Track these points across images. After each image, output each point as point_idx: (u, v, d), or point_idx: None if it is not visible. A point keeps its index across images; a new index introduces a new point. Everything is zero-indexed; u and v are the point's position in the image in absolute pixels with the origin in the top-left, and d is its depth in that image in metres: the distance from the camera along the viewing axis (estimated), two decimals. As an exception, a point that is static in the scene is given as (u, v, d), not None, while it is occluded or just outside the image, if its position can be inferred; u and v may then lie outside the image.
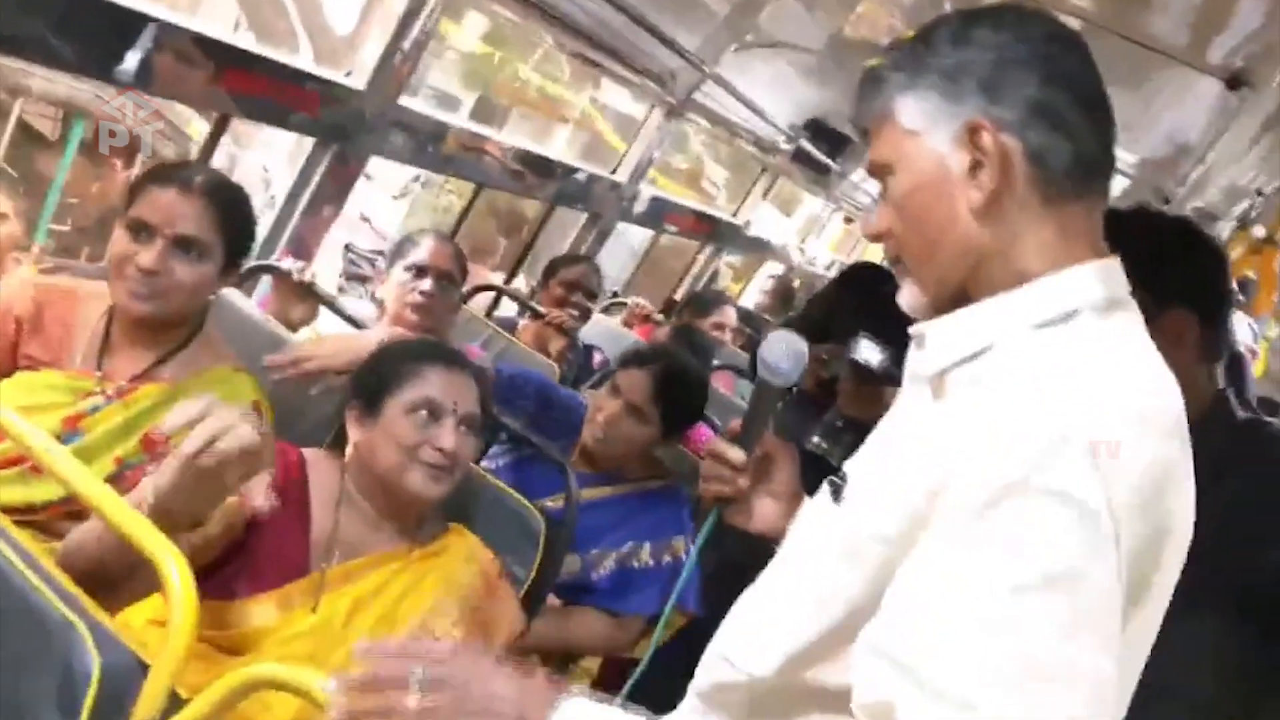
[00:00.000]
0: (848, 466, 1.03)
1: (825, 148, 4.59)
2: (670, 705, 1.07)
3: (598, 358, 3.65)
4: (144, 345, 1.64)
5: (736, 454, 1.18)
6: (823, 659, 0.94)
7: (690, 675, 1.08)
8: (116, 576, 1.16)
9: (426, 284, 2.34)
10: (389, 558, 1.61)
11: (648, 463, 2.35)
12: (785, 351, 1.18)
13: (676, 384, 2.26)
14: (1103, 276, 0.93)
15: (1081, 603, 0.79)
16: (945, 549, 0.83)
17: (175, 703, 0.95)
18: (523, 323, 3.54)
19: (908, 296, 1.00)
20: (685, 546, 2.25)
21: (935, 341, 0.98)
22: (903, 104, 0.95)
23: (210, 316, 1.76)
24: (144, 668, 0.95)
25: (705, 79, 3.18)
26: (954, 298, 0.96)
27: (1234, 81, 1.87)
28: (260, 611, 1.50)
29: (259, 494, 1.26)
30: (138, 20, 2.02)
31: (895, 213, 0.97)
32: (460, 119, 3.92)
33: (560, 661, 2.26)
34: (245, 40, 3.47)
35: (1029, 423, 0.82)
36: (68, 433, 1.54)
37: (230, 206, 1.66)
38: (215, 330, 1.77)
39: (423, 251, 2.39)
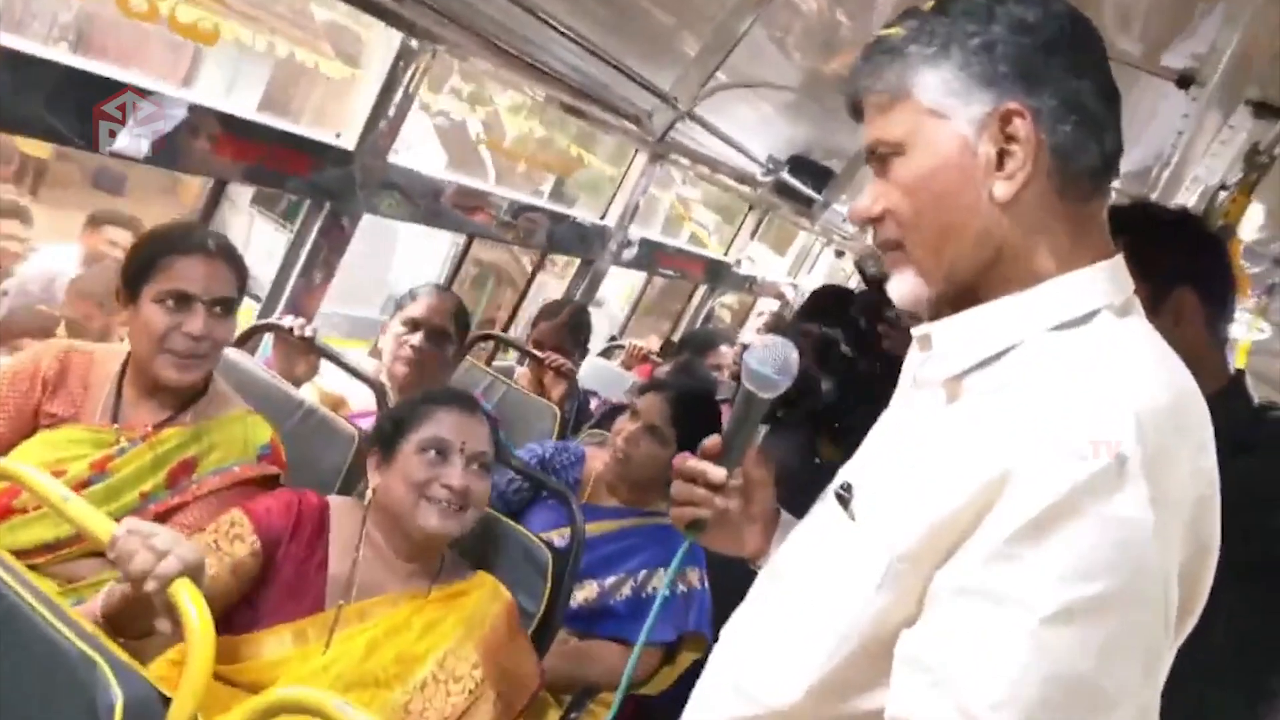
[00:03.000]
0: (851, 475, 0.96)
1: (809, 181, 4.67)
2: None
3: (594, 402, 3.72)
4: (157, 399, 1.72)
5: (716, 472, 1.08)
6: (853, 685, 0.88)
7: None
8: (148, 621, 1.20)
9: (417, 338, 2.41)
10: (406, 597, 1.64)
11: (667, 496, 2.41)
12: (773, 358, 1.07)
13: (692, 407, 2.37)
14: (1116, 276, 0.88)
15: (1130, 627, 0.76)
16: (992, 566, 0.78)
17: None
18: (519, 369, 3.60)
19: (905, 287, 0.91)
20: (701, 577, 2.28)
21: (946, 343, 0.91)
22: (924, 80, 0.87)
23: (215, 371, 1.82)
24: (165, 700, 0.98)
25: (681, 117, 3.27)
26: (960, 293, 0.89)
27: (1183, 81, 1.95)
28: (275, 642, 1.53)
29: None
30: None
31: (904, 196, 0.89)
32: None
33: (577, 698, 2.27)
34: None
35: (1076, 440, 0.76)
36: (96, 474, 1.62)
37: (238, 260, 1.74)
38: (222, 382, 1.84)
39: (419, 306, 2.46)
